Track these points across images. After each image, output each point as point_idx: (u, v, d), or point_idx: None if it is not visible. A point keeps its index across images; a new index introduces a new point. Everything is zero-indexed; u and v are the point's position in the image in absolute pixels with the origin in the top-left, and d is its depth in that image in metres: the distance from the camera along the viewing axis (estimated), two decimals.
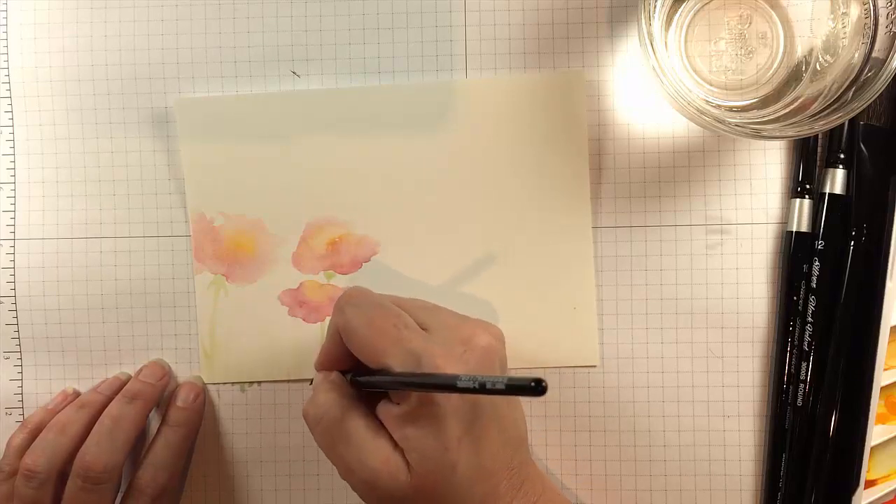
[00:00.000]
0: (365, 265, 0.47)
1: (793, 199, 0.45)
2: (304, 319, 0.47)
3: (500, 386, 0.32)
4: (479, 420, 0.37)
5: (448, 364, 0.35)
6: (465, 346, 0.37)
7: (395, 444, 0.36)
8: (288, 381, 0.48)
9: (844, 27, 0.42)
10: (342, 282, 0.47)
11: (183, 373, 0.48)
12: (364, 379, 0.38)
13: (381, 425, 0.37)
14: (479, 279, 0.46)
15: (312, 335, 0.47)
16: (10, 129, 0.48)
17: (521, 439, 0.39)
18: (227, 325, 0.47)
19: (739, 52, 0.44)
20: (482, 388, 0.32)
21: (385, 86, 0.47)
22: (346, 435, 0.37)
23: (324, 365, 0.40)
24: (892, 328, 0.44)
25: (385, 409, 0.37)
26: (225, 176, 0.47)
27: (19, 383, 0.48)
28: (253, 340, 0.47)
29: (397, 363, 0.36)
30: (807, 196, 0.45)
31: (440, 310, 0.40)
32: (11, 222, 0.48)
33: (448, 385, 0.34)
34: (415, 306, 0.40)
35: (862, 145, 0.44)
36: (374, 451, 0.36)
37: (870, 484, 0.45)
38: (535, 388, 0.30)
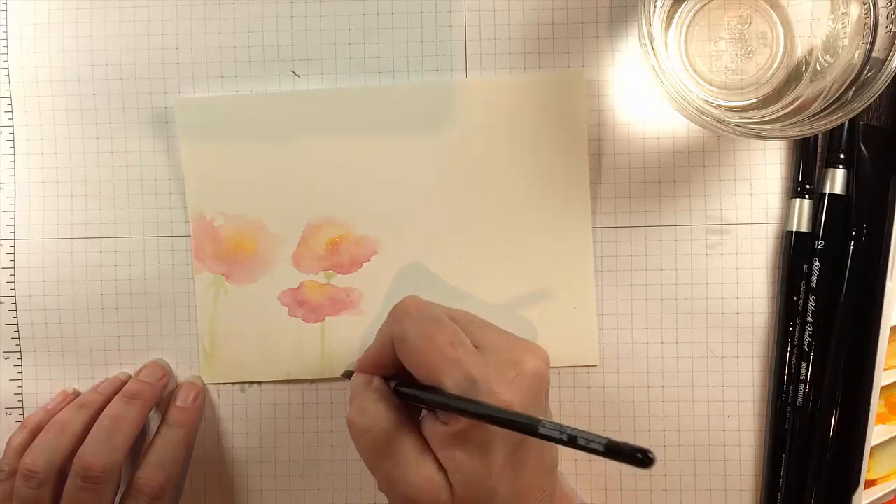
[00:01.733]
0: (365, 265, 0.47)
1: (793, 199, 0.45)
2: (303, 319, 0.47)
3: (597, 447, 0.29)
4: (522, 446, 0.36)
5: (502, 390, 0.35)
6: (517, 371, 0.36)
7: (439, 464, 0.36)
8: (288, 381, 0.48)
9: (844, 27, 0.42)
10: (342, 282, 0.47)
11: (183, 373, 0.48)
12: (417, 393, 0.37)
13: (426, 442, 0.37)
14: (479, 279, 0.46)
15: (312, 335, 0.47)
16: (10, 129, 0.48)
17: (555, 463, 0.39)
18: (227, 325, 0.47)
19: (739, 52, 0.44)
20: (571, 442, 0.30)
21: (385, 86, 0.47)
22: (393, 450, 0.37)
23: (367, 368, 0.40)
24: (892, 328, 0.44)
25: (431, 427, 0.37)
26: (225, 176, 0.47)
27: (19, 383, 0.48)
28: (253, 340, 0.47)
29: (452, 384, 0.35)
30: (807, 196, 0.45)
31: (489, 326, 0.39)
32: (11, 222, 0.48)
33: (527, 428, 0.32)
34: (466, 320, 0.39)
35: (862, 145, 0.44)
36: (419, 470, 0.36)
37: (870, 484, 0.45)
38: (642, 459, 0.28)
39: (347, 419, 0.38)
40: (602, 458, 0.30)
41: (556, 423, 0.31)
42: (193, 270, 0.47)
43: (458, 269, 0.46)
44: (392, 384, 0.39)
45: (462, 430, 0.35)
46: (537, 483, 0.37)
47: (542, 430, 0.31)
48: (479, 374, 0.35)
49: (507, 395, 0.35)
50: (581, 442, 0.30)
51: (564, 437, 0.31)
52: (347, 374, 0.45)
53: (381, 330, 0.39)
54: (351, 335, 0.47)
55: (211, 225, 0.47)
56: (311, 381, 0.48)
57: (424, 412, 0.38)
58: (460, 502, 0.36)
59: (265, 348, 0.47)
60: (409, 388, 0.38)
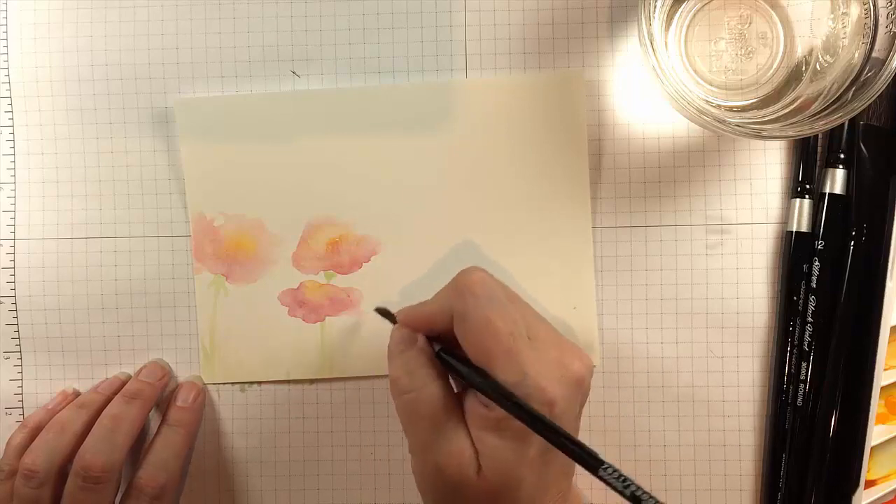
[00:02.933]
0: (365, 265, 0.47)
1: (793, 199, 0.45)
2: (303, 319, 0.47)
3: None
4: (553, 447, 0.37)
5: (549, 385, 0.35)
6: (562, 371, 0.36)
7: (472, 440, 0.36)
8: (288, 381, 0.48)
9: (844, 27, 0.42)
10: (342, 282, 0.47)
11: (183, 373, 0.48)
12: (462, 368, 0.37)
13: (463, 414, 0.37)
14: None
15: (312, 335, 0.47)
16: (10, 129, 0.48)
17: (574, 469, 0.39)
18: (227, 325, 0.47)
19: (739, 52, 0.44)
20: (626, 493, 0.31)
21: (385, 86, 0.47)
22: (433, 415, 0.37)
23: (414, 324, 0.39)
24: (892, 328, 0.44)
25: (473, 407, 0.37)
26: (225, 176, 0.47)
27: (19, 383, 0.48)
28: (253, 340, 0.47)
29: (501, 371, 0.35)
30: (807, 196, 0.45)
31: (542, 320, 0.39)
32: (11, 222, 0.48)
33: (588, 464, 0.33)
34: (523, 308, 0.39)
35: (862, 145, 0.44)
36: (454, 441, 0.36)
37: (870, 484, 0.45)
38: None
39: (391, 376, 0.38)
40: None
41: (619, 472, 0.31)
42: (193, 270, 0.47)
43: (456, 269, 0.46)
44: (436, 347, 0.39)
45: (502, 416, 0.35)
46: (557, 483, 0.38)
47: (602, 474, 0.32)
48: (530, 367, 0.35)
49: (553, 392, 0.35)
50: (634, 492, 0.30)
51: (627, 493, 0.31)
52: (382, 312, 0.43)
53: (442, 296, 0.39)
54: (351, 335, 0.47)
55: (211, 225, 0.47)
56: (311, 381, 0.48)
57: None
58: (486, 484, 0.36)
59: (265, 348, 0.47)
60: (455, 360, 0.38)
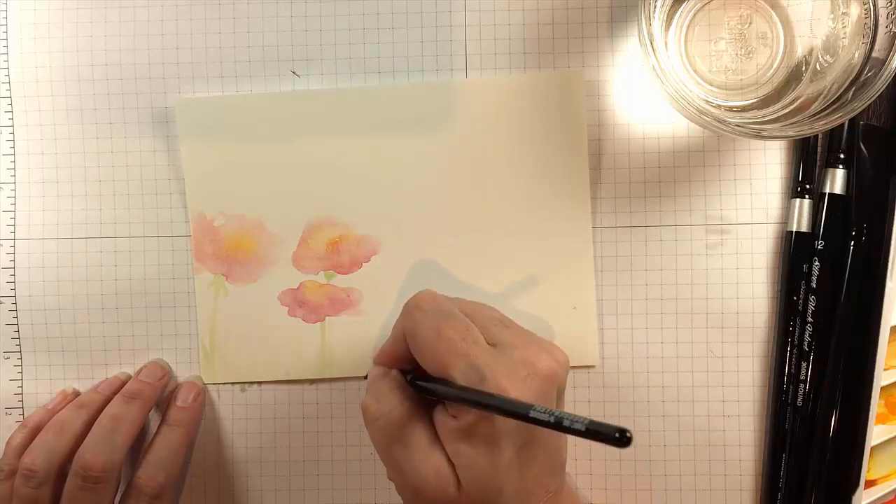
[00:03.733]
0: (365, 265, 0.47)
1: (793, 199, 0.45)
2: (303, 319, 0.47)
3: (579, 427, 0.30)
4: (530, 444, 0.36)
5: (511, 386, 0.35)
6: (529, 370, 0.36)
7: (448, 457, 0.36)
8: (288, 381, 0.48)
9: (844, 27, 0.42)
10: (342, 282, 0.47)
11: (183, 373, 0.48)
12: (427, 385, 0.38)
13: (436, 434, 0.37)
14: (479, 279, 0.46)
15: (312, 335, 0.47)
16: (10, 129, 0.48)
17: (563, 463, 0.39)
18: (227, 325, 0.47)
19: (739, 52, 0.44)
20: (557, 424, 0.31)
21: (385, 86, 0.47)
22: (405, 438, 0.37)
23: (383, 361, 0.40)
24: (892, 328, 0.44)
25: (442, 420, 0.37)
26: (225, 176, 0.47)
27: (19, 383, 0.48)
28: (253, 340, 0.47)
29: (460, 376, 0.35)
30: (807, 196, 0.45)
31: (510, 325, 0.39)
32: (11, 222, 0.48)
33: (520, 413, 0.33)
34: (485, 318, 0.39)
35: (862, 145, 0.44)
36: (429, 460, 0.36)
37: (870, 484, 0.45)
38: (620, 438, 0.29)
39: (362, 405, 0.38)
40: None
41: (546, 409, 0.32)
42: (193, 270, 0.47)
43: (457, 269, 0.46)
44: (408, 377, 0.39)
45: (470, 424, 0.35)
46: (543, 483, 0.37)
47: (532, 414, 0.32)
48: (486, 367, 0.35)
49: (515, 391, 0.35)
50: (566, 423, 0.31)
51: (552, 420, 0.31)
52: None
53: (396, 324, 0.39)
54: (351, 335, 0.47)
55: (211, 225, 0.47)
56: (311, 381, 0.48)
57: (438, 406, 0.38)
58: (467, 498, 0.36)
59: (265, 348, 0.47)
60: (421, 380, 0.38)
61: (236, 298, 0.47)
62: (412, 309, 0.38)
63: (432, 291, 0.39)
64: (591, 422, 0.30)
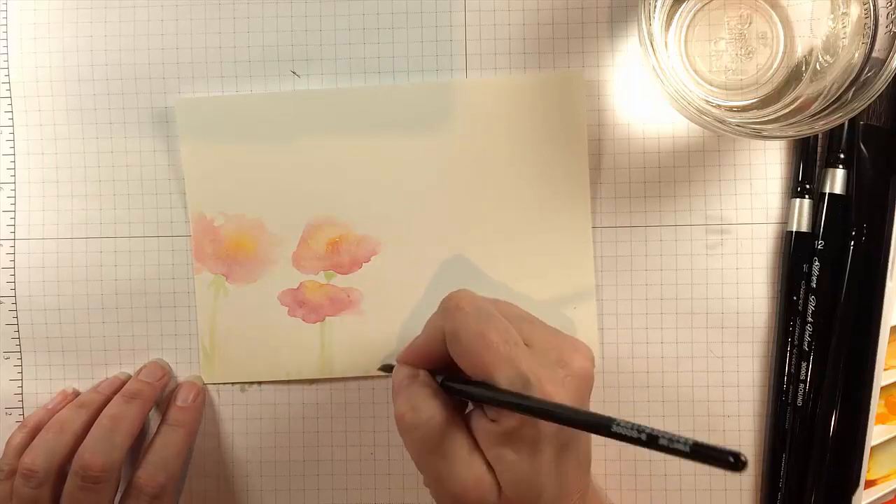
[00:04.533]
0: (365, 265, 0.47)
1: (793, 199, 0.45)
2: (303, 319, 0.47)
3: (682, 448, 0.27)
4: (567, 445, 0.36)
5: (555, 390, 0.35)
6: (565, 371, 0.36)
7: (488, 463, 0.36)
8: (288, 381, 0.48)
9: (844, 27, 0.42)
10: (342, 282, 0.47)
11: (183, 373, 0.48)
12: (467, 389, 0.36)
13: (475, 440, 0.36)
14: (479, 279, 0.46)
15: (312, 335, 0.47)
16: (10, 129, 0.48)
17: (589, 462, 0.39)
18: (227, 325, 0.47)
19: (739, 52, 0.44)
20: (651, 443, 0.28)
21: (385, 86, 0.47)
22: (444, 447, 0.36)
23: (413, 360, 0.39)
24: (892, 328, 0.44)
25: (480, 425, 0.36)
26: (225, 176, 0.47)
27: (19, 383, 0.48)
28: (252, 340, 0.47)
29: (505, 381, 0.35)
30: (807, 196, 0.45)
31: (537, 323, 0.39)
32: (11, 222, 0.48)
33: (600, 426, 0.31)
34: (516, 316, 0.38)
35: (862, 145, 0.44)
36: (470, 469, 0.36)
37: (870, 484, 0.45)
38: (734, 463, 0.26)
39: (396, 414, 0.37)
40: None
41: (631, 423, 0.30)
42: (193, 270, 0.47)
43: (456, 268, 0.46)
44: (439, 378, 0.38)
45: (513, 428, 0.35)
46: (576, 482, 0.37)
47: (615, 429, 0.30)
48: (532, 374, 0.35)
49: (559, 395, 0.35)
50: (663, 443, 0.28)
51: (643, 437, 0.29)
52: (386, 368, 0.45)
53: (431, 323, 0.39)
54: (351, 335, 0.47)
55: (211, 225, 0.47)
56: (311, 381, 0.48)
57: (471, 408, 0.38)
58: (507, 502, 0.35)
59: (265, 348, 0.47)
60: (459, 383, 0.37)
61: (236, 298, 0.47)
62: (453, 310, 0.37)
63: (470, 291, 0.38)
64: (697, 443, 0.27)
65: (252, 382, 0.48)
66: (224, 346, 0.47)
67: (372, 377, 0.47)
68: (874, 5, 0.40)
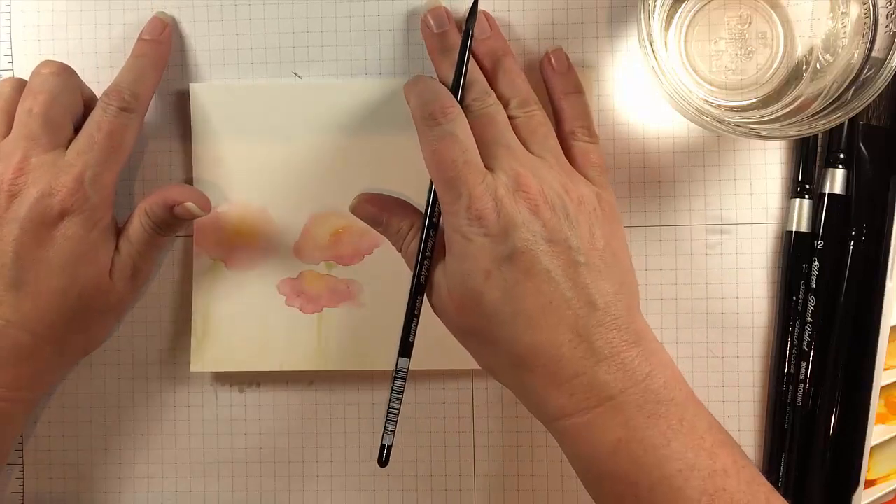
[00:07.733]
0: (367, 257, 0.47)
1: (793, 199, 0.45)
2: (301, 309, 0.46)
3: None
4: (509, 263, 0.37)
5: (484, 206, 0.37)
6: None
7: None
8: (287, 381, 0.48)
9: (844, 27, 0.42)
10: (342, 273, 0.46)
11: (181, 362, 0.48)
12: None
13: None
14: None
15: (308, 325, 0.46)
16: None
17: (592, 305, 0.37)
18: (222, 311, 0.47)
19: (739, 52, 0.44)
20: None
21: (392, 80, 0.47)
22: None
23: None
24: (892, 328, 0.44)
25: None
26: (232, 164, 0.46)
27: None
28: (247, 327, 0.47)
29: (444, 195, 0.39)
30: (807, 196, 0.45)
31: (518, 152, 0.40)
32: None
33: None
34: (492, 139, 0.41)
35: (862, 145, 0.45)
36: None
37: (870, 484, 0.45)
38: None
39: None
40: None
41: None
42: (193, 254, 0.47)
43: None
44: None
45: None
46: (552, 321, 0.37)
47: None
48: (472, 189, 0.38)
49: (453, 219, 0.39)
50: None
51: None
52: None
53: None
54: (348, 327, 0.46)
55: (214, 210, 0.46)
56: (310, 381, 0.48)
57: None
58: (454, 299, 0.39)
59: (259, 337, 0.46)
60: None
61: (234, 283, 0.47)
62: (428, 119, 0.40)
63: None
64: None
65: (252, 384, 0.48)
66: (217, 331, 0.47)
67: (370, 374, 0.47)
68: (874, 5, 0.40)
